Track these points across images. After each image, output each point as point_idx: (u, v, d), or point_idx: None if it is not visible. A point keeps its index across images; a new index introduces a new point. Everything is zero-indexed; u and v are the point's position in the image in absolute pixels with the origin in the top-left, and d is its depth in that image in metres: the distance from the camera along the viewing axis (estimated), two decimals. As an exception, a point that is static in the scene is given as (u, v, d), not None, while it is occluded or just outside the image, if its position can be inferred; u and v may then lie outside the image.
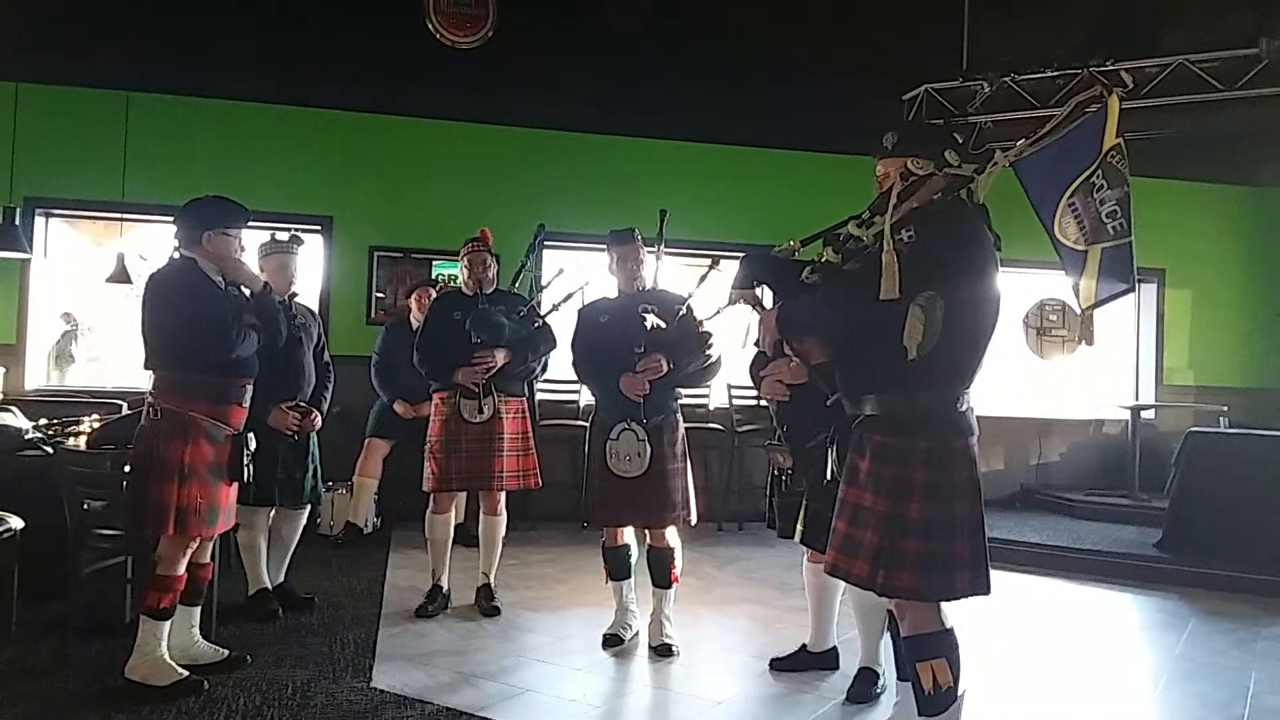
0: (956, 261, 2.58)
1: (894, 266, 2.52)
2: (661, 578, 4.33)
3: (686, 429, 4.47)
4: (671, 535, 4.35)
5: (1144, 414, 8.38)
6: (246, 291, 3.77)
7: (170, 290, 3.61)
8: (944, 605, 2.68)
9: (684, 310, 4.18)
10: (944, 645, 2.65)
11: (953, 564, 2.61)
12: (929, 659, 2.64)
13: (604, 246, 4.44)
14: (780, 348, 3.11)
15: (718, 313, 4.03)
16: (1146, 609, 5.53)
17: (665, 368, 4.17)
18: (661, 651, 4.25)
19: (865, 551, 2.67)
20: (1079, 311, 3.03)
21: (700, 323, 4.26)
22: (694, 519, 4.38)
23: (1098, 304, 2.94)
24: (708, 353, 4.29)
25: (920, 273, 2.51)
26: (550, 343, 4.95)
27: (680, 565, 4.41)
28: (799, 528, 3.72)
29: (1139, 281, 8.82)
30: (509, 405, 4.85)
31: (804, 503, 3.67)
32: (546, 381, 6.02)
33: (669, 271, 4.61)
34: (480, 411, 4.75)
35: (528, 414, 5.05)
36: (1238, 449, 6.52)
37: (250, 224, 3.87)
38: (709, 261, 4.29)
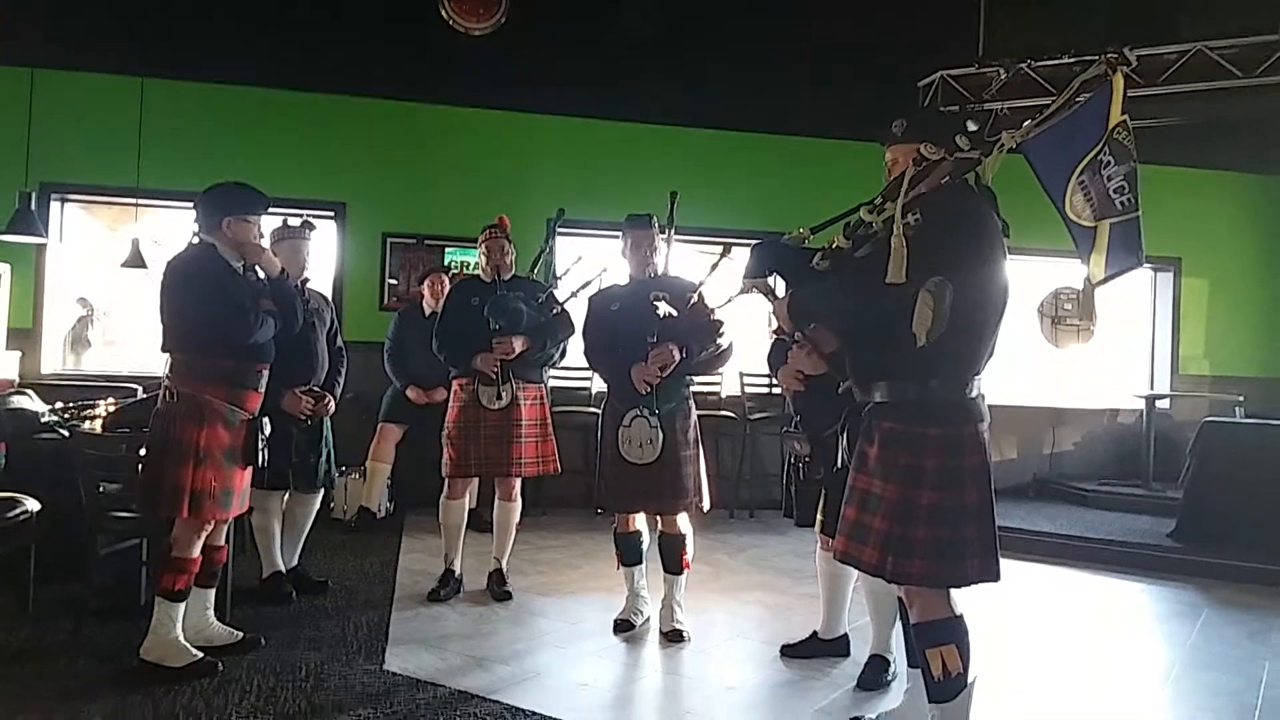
0: (962, 247, 2.57)
1: (902, 251, 2.51)
2: (673, 564, 4.34)
3: (699, 416, 4.47)
4: (683, 522, 4.36)
5: (1159, 403, 8.33)
6: (264, 276, 3.78)
7: (189, 275, 3.63)
8: (953, 592, 2.68)
9: (695, 298, 4.16)
10: (953, 632, 2.65)
11: (962, 550, 2.61)
12: (938, 645, 2.64)
13: (617, 233, 4.44)
14: (795, 336, 3.11)
15: (729, 301, 4.03)
16: (1160, 599, 5.51)
17: (677, 357, 4.17)
18: (672, 637, 4.26)
19: (875, 538, 2.67)
20: (1086, 285, 3.02)
21: (711, 311, 4.25)
22: (706, 505, 4.39)
23: (1106, 279, 2.93)
24: (718, 341, 4.28)
25: (926, 258, 2.51)
26: (569, 329, 4.95)
27: (692, 551, 4.42)
28: (819, 517, 3.72)
29: (1155, 270, 8.95)
30: (527, 392, 4.87)
31: (823, 491, 3.67)
32: (558, 368, 6.04)
33: (681, 258, 4.60)
34: (499, 398, 4.77)
35: (546, 400, 5.07)
36: (1253, 439, 6.48)
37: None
38: (721, 249, 4.27)
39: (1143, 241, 2.94)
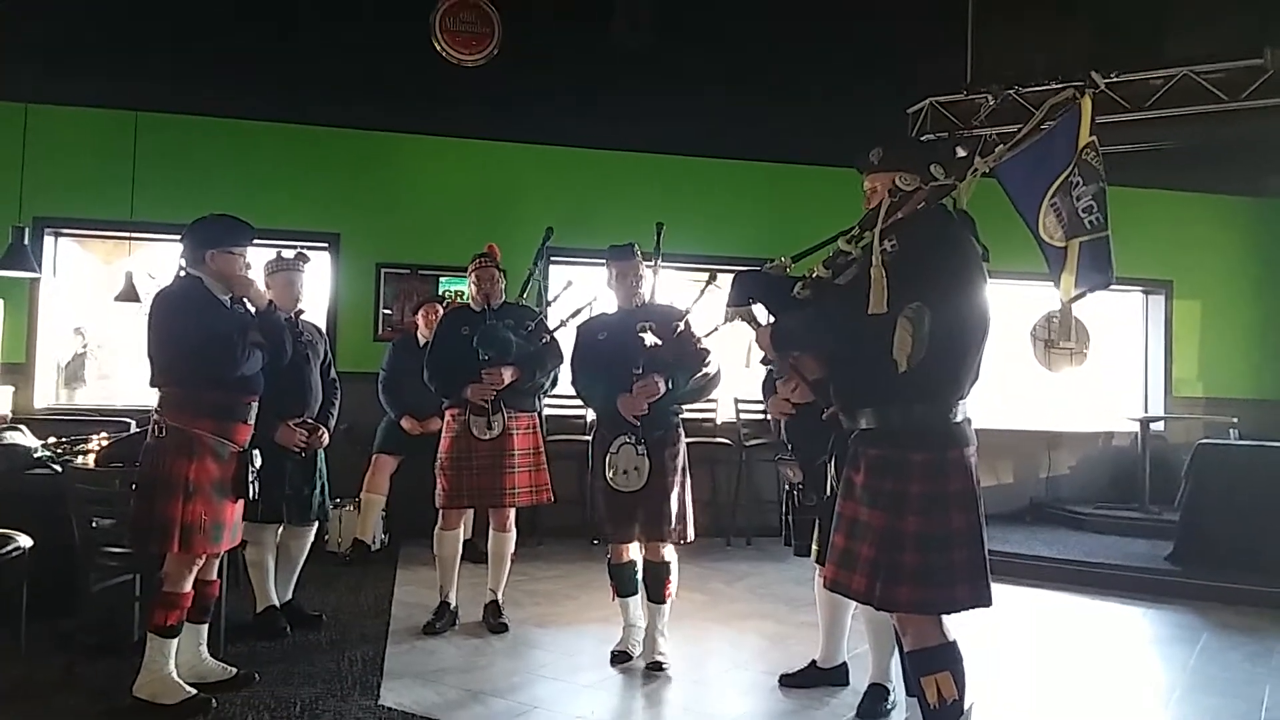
0: (939, 273, 2.59)
1: (882, 282, 2.53)
2: (656, 592, 4.27)
3: (694, 443, 4.45)
4: (668, 550, 4.30)
5: (1153, 426, 8.34)
6: (252, 309, 3.78)
7: (175, 308, 3.63)
8: (946, 618, 2.67)
9: (682, 326, 4.14)
10: (947, 658, 2.64)
11: (951, 576, 2.61)
12: (933, 672, 2.62)
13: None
14: (779, 364, 3.12)
15: (715, 330, 4.02)
16: (1158, 623, 5.49)
17: (663, 389, 4.15)
18: (654, 669, 4.19)
19: (863, 565, 2.67)
20: (1060, 304, 3.07)
21: (698, 339, 4.23)
22: (690, 536, 4.31)
23: (1077, 296, 2.96)
24: (705, 370, 4.26)
25: (904, 284, 2.52)
26: (558, 358, 4.94)
27: (676, 580, 4.34)
28: (814, 547, 3.70)
29: (1147, 293, 8.98)
30: (519, 421, 4.86)
31: (817, 520, 3.65)
32: (553, 396, 6.04)
33: (670, 284, 4.59)
34: (490, 428, 4.75)
35: (539, 429, 5.06)
36: (1248, 461, 6.49)
37: (258, 242, 3.88)
38: (708, 276, 4.25)
39: (1113, 260, 2.98)
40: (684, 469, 4.33)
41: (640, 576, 4.38)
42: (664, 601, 4.30)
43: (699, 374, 4.25)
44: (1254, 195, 9.05)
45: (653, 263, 4.42)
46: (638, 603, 4.45)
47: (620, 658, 4.35)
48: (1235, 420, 7.89)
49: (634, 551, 4.39)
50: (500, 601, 4.95)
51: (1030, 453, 8.72)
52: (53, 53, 6.27)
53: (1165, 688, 4.35)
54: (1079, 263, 2.95)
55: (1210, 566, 6.17)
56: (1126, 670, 4.61)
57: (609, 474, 4.19)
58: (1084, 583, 6.29)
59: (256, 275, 4.02)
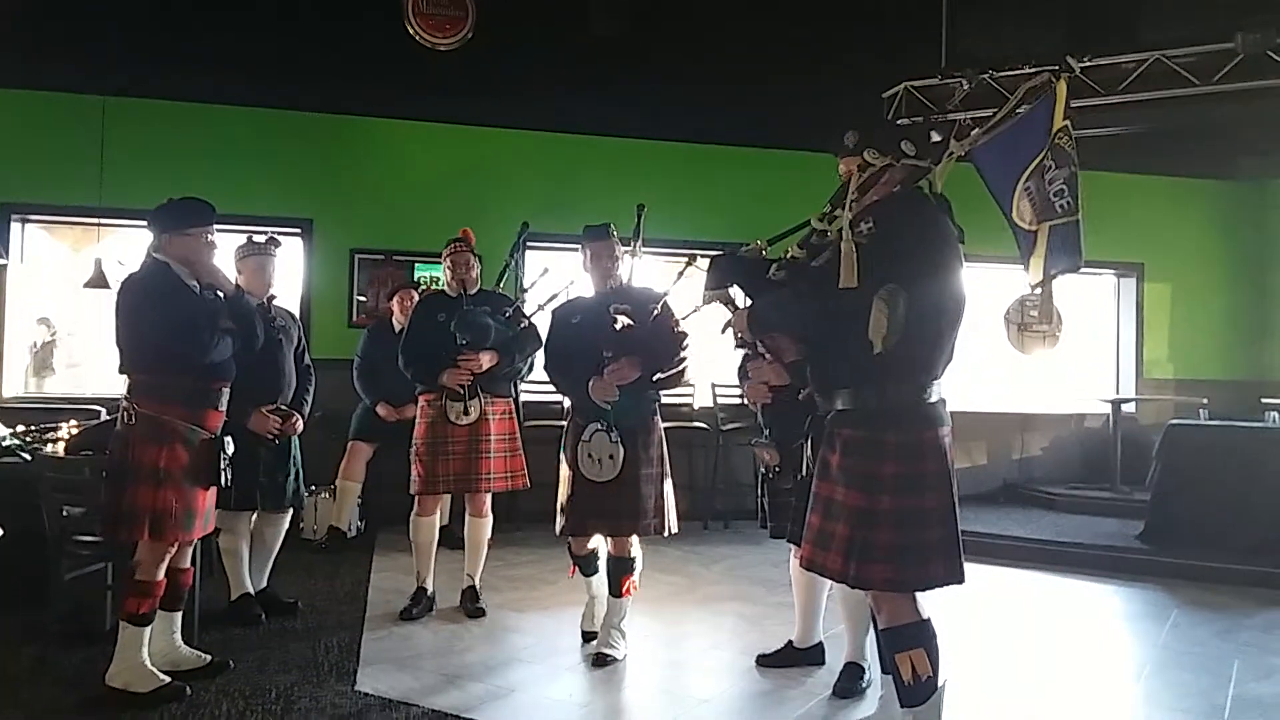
0: (915, 254, 2.60)
1: (853, 256, 2.54)
2: (615, 586, 4.18)
3: (671, 428, 4.38)
4: (634, 544, 4.19)
5: (1125, 407, 8.42)
6: (222, 295, 3.74)
7: (142, 293, 3.59)
8: (920, 596, 2.70)
9: (658, 309, 4.00)
10: (921, 635, 2.67)
11: (926, 555, 2.64)
12: (907, 650, 2.66)
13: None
14: (757, 346, 3.12)
15: (695, 310, 3.95)
16: (1129, 601, 5.56)
17: (635, 373, 4.02)
18: (598, 662, 4.09)
19: (838, 544, 2.69)
20: (1032, 288, 3.09)
21: (676, 321, 4.09)
22: (671, 528, 4.19)
23: (1045, 280, 2.98)
24: (682, 356, 4.11)
25: (880, 266, 2.53)
26: (536, 342, 4.87)
27: (639, 575, 4.26)
28: (790, 527, 3.71)
29: (1119, 275, 9.05)
30: (495, 406, 4.83)
31: (792, 501, 3.66)
32: (531, 381, 6.01)
33: (648, 270, 4.54)
34: (466, 413, 4.73)
35: (515, 414, 5.04)
36: (1218, 440, 6.56)
37: (231, 227, 3.86)
38: (687, 259, 4.18)
39: (1083, 244, 3.00)
40: (663, 459, 4.21)
41: (603, 564, 4.29)
42: (621, 597, 4.19)
43: (676, 360, 4.09)
44: (1225, 178, 9.14)
45: (633, 246, 4.31)
46: (601, 580, 4.31)
47: (591, 636, 4.32)
48: (1205, 401, 7.97)
49: (595, 542, 4.28)
50: (477, 587, 4.94)
51: (1003, 434, 8.81)
52: (19, 36, 6.16)
53: (1137, 664, 4.41)
54: (1048, 246, 2.97)
55: (1180, 545, 6.25)
56: (1099, 647, 4.67)
57: (582, 463, 4.06)
58: (1056, 562, 6.36)
59: (227, 260, 3.97)
